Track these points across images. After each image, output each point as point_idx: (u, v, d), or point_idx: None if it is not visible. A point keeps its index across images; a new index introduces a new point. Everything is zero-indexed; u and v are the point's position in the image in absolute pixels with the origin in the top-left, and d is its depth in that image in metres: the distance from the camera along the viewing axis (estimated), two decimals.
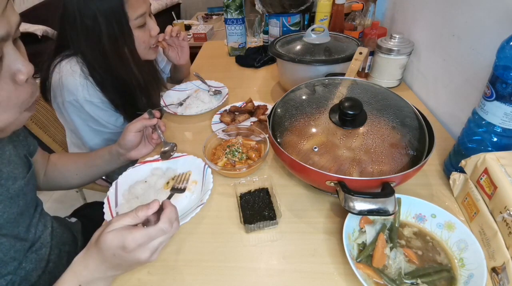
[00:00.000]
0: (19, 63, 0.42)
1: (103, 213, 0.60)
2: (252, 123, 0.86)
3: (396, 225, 0.54)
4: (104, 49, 0.78)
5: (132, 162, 0.75)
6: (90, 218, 0.86)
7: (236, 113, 0.89)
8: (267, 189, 0.64)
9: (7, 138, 0.58)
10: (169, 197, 0.61)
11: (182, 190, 0.64)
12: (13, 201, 0.55)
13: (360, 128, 0.57)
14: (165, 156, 0.72)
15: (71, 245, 0.72)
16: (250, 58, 1.25)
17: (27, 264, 0.58)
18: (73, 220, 0.84)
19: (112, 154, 0.74)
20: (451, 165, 0.64)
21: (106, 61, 0.81)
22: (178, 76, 1.20)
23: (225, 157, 0.71)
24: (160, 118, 0.76)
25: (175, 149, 0.74)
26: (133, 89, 0.89)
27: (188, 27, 2.45)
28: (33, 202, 0.63)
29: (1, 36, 0.39)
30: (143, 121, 0.71)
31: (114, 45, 0.79)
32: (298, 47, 0.90)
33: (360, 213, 0.47)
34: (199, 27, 2.41)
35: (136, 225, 0.44)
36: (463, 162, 0.57)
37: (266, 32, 1.30)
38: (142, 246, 0.42)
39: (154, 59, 0.96)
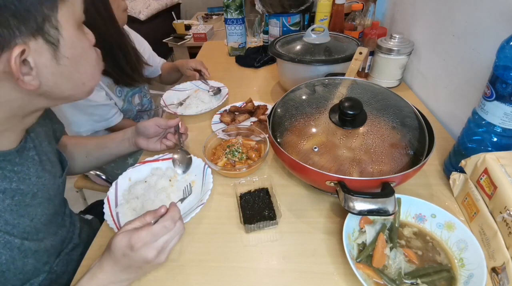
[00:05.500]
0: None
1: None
2: (252, 123, 0.86)
3: (396, 225, 0.54)
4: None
5: (132, 163, 0.75)
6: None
7: (236, 113, 0.89)
8: (267, 189, 0.64)
9: (44, 133, 0.56)
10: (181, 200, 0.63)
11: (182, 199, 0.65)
12: (51, 201, 0.54)
13: (360, 128, 0.57)
14: (176, 162, 0.71)
15: None
16: (250, 58, 1.25)
17: (58, 267, 0.56)
18: (89, 217, 0.83)
19: (126, 134, 0.74)
20: (451, 165, 0.64)
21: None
22: (171, 79, 1.21)
23: (225, 157, 0.71)
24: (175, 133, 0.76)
25: (190, 163, 0.71)
26: (115, 49, 0.90)
27: (188, 27, 2.45)
28: (64, 200, 0.62)
29: None
30: (167, 121, 0.71)
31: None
32: (298, 47, 0.90)
33: (360, 213, 0.47)
34: (199, 27, 2.41)
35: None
36: (463, 162, 0.57)
37: (266, 32, 1.30)
38: (148, 244, 0.44)
39: (123, 27, 0.96)
